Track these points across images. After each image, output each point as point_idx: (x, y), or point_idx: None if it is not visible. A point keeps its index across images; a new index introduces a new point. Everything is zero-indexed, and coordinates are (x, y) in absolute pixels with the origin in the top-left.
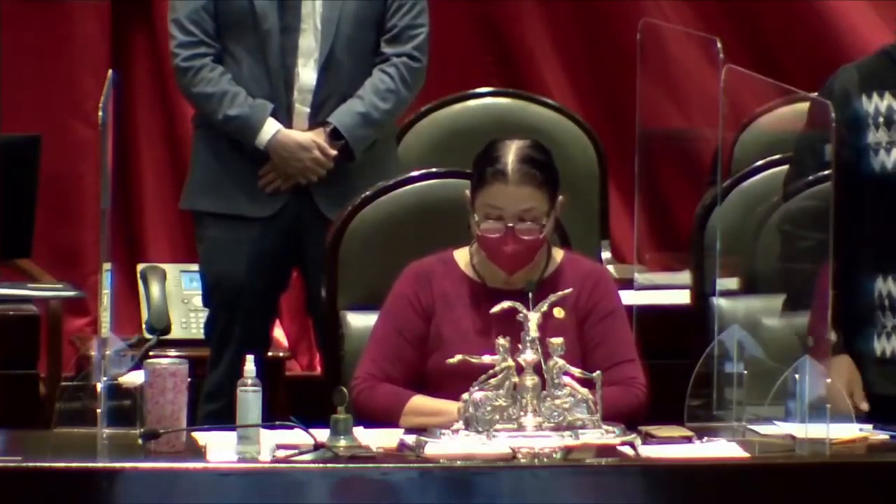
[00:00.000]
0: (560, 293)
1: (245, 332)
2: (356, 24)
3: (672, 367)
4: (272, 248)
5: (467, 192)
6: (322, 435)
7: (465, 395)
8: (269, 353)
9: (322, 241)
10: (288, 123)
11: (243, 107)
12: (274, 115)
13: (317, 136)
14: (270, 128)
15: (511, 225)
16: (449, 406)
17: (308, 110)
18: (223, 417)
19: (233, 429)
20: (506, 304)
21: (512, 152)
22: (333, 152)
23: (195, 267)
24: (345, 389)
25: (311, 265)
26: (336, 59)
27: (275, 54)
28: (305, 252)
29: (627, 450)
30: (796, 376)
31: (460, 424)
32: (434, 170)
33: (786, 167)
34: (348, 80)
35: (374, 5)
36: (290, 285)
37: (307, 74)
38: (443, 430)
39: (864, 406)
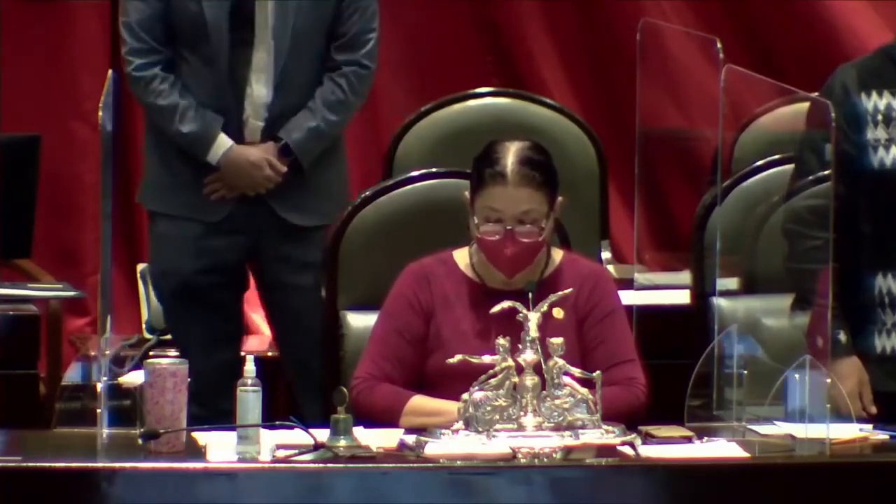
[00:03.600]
0: (560, 293)
1: (198, 330)
2: (309, 34)
3: (672, 367)
4: (221, 245)
5: (466, 193)
6: (322, 435)
7: (465, 395)
8: (270, 354)
9: (277, 236)
10: (239, 136)
11: (194, 122)
12: (224, 128)
13: (268, 153)
14: (222, 145)
15: (510, 227)
16: (449, 406)
17: (262, 125)
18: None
19: (233, 429)
20: (506, 305)
21: (511, 154)
22: (283, 169)
23: None
24: (345, 389)
25: (267, 260)
26: (290, 75)
27: (224, 67)
28: (260, 248)
29: (627, 450)
30: (796, 376)
31: (460, 424)
32: (434, 170)
33: (786, 167)
34: (302, 92)
35: (327, 14)
36: (247, 286)
37: (260, 90)
38: (443, 430)
39: (873, 409)
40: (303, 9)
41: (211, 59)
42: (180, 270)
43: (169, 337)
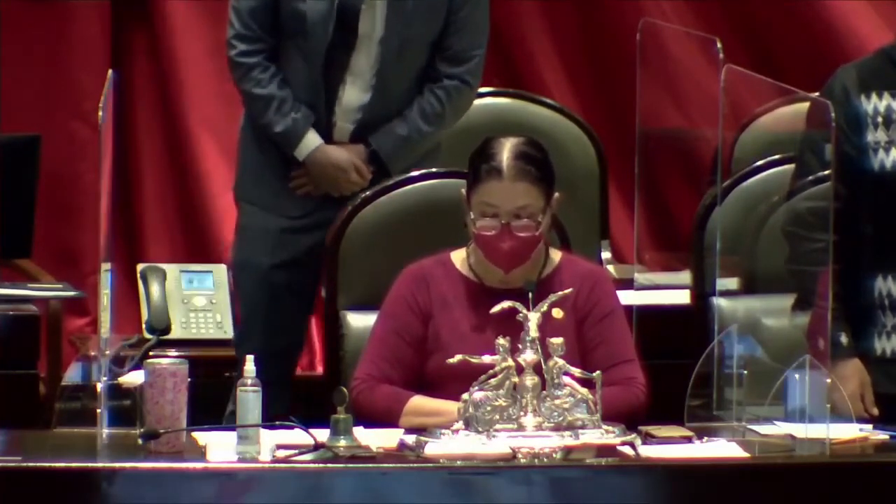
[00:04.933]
0: (560, 293)
1: (270, 323)
2: (416, 44)
3: (672, 367)
4: (299, 240)
5: (463, 190)
6: (322, 435)
7: (465, 395)
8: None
9: None
10: (328, 135)
11: (287, 119)
12: (314, 125)
13: (355, 157)
14: (310, 143)
15: (507, 222)
16: (449, 406)
17: (351, 127)
18: None
19: (233, 429)
20: (505, 305)
21: (507, 149)
22: (369, 175)
23: (195, 267)
24: (345, 389)
25: None
26: (389, 81)
27: (318, 67)
28: None
29: (627, 450)
30: (796, 376)
31: (460, 424)
32: (434, 170)
33: (786, 167)
34: (399, 99)
35: (436, 25)
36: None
37: (353, 93)
38: (443, 430)
39: (875, 411)
40: (414, 19)
41: (308, 55)
42: (260, 263)
43: (169, 337)
